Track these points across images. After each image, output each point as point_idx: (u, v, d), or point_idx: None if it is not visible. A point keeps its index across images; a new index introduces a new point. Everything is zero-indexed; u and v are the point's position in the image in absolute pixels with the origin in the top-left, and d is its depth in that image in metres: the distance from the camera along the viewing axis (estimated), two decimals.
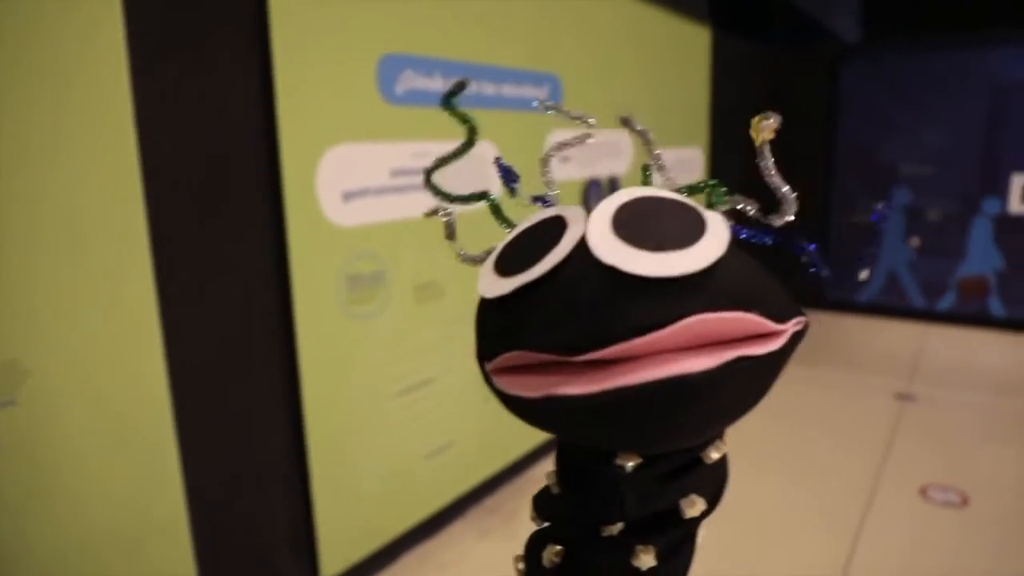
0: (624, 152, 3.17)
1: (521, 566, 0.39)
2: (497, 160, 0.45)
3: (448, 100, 0.42)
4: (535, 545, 0.38)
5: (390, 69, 1.98)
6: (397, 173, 2.04)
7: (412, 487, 2.23)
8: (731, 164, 4.44)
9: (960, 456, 2.92)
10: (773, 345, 0.33)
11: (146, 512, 1.50)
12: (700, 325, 0.29)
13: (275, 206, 1.75)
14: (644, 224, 0.32)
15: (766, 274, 0.35)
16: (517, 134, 2.45)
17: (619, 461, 0.34)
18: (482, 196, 0.44)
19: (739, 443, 2.46)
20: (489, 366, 0.35)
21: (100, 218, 1.37)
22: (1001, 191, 4.52)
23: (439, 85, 2.14)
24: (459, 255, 0.44)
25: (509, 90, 2.42)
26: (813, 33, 5.12)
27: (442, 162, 0.45)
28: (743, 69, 4.54)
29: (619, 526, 0.35)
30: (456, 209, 0.45)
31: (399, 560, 2.22)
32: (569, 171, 2.78)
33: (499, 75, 2.37)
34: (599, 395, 0.29)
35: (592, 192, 2.90)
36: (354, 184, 1.92)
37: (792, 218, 0.36)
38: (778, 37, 5.08)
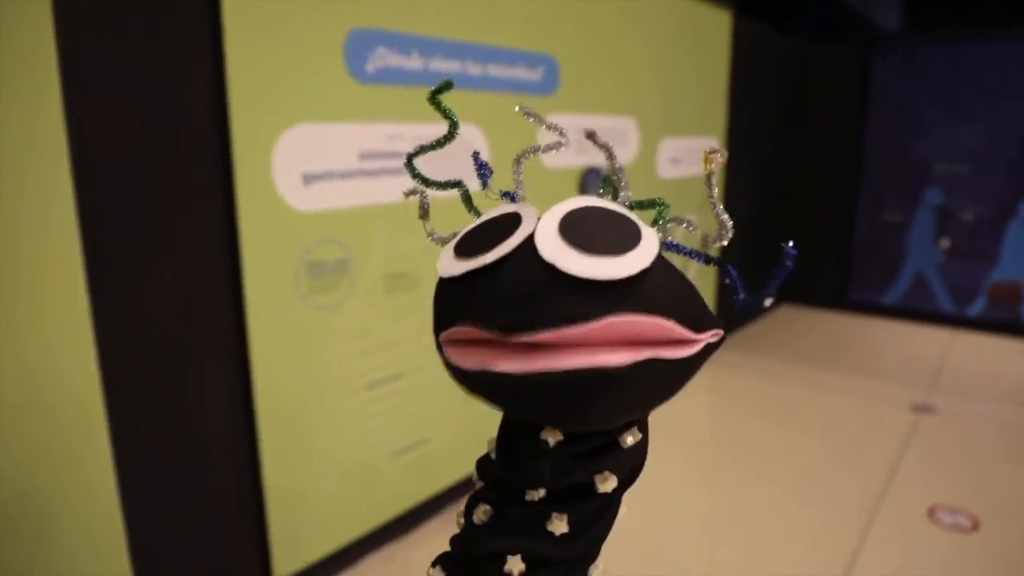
0: (630, 140, 3.02)
1: (461, 520, 0.43)
2: (475, 155, 0.49)
3: (434, 97, 0.46)
4: (471, 503, 0.43)
5: (360, 45, 1.86)
6: (367, 156, 1.93)
7: (378, 486, 2.13)
8: (748, 156, 4.24)
9: (975, 476, 2.73)
10: (686, 352, 0.36)
11: (75, 512, 1.42)
12: (620, 324, 0.33)
13: (226, 188, 1.65)
14: (586, 230, 0.35)
15: (690, 288, 0.39)
16: (505, 118, 2.32)
17: (543, 436, 0.38)
18: (456, 185, 0.49)
19: (741, 449, 2.77)
20: (440, 337, 0.39)
21: (19, 196, 1.28)
22: None
23: (417, 64, 2.02)
24: (429, 234, 0.48)
25: (497, 71, 2.28)
26: (845, 20, 4.88)
27: (423, 149, 0.49)
28: (766, 57, 4.33)
29: (540, 493, 0.40)
30: (431, 192, 0.49)
31: (362, 561, 2.13)
32: (567, 158, 2.64)
33: (486, 54, 2.24)
34: (526, 375, 0.34)
35: (591, 180, 2.76)
36: (317, 166, 1.81)
37: (726, 243, 0.40)
38: (807, 23, 4.85)
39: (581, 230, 0.35)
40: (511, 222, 0.38)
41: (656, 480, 2.76)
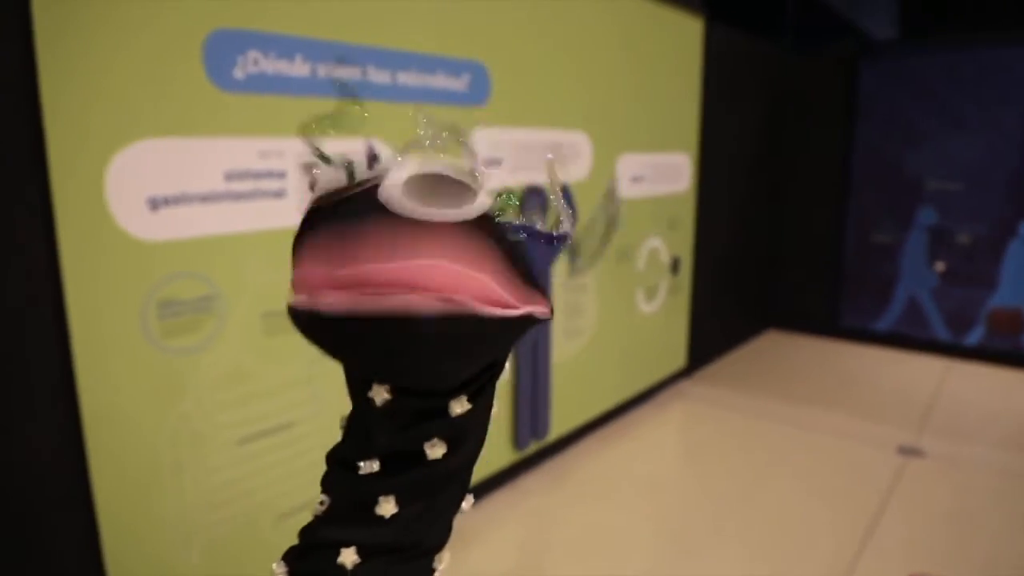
0: (581, 156, 2.74)
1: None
2: (368, 143, 0.45)
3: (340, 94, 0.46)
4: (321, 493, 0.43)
5: (224, 48, 1.60)
6: (236, 176, 1.66)
7: (259, 555, 1.85)
8: (727, 173, 3.96)
9: (963, 538, 2.42)
10: (503, 313, 0.36)
11: None
12: (436, 268, 0.35)
13: (45, 217, 1.39)
14: (428, 185, 0.37)
15: (521, 256, 0.38)
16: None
17: (370, 394, 0.39)
18: (347, 164, 0.42)
19: (707, 497, 2.07)
20: (292, 280, 0.40)
21: None
22: None
23: (302, 71, 1.75)
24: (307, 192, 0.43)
25: (410, 79, 2.01)
26: (831, 27, 4.61)
27: (322, 121, 0.45)
28: (745, 66, 4.05)
29: (374, 466, 0.40)
30: (321, 165, 0.43)
31: None
32: (501, 176, 2.37)
33: (395, 60, 1.97)
34: (346, 313, 0.35)
35: (531, 202, 2.48)
36: (168, 189, 1.54)
37: (568, 233, 0.40)
38: (790, 31, 4.58)
39: (423, 185, 0.37)
40: (372, 179, 0.38)
41: (615, 528, 2.48)
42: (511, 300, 0.37)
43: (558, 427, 2.80)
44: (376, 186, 0.37)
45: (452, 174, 0.38)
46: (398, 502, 0.40)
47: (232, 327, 1.70)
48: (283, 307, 1.58)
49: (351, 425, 0.43)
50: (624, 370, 3.26)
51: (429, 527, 0.42)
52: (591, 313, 2.89)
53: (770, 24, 4.56)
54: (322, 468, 1.76)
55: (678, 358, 3.80)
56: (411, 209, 0.35)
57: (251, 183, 1.69)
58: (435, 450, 0.40)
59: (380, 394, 0.39)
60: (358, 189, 0.38)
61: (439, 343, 0.36)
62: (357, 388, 0.41)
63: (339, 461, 0.43)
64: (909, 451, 3.07)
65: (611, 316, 3.05)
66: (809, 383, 4.01)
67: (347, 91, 0.47)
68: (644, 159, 3.15)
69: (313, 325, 0.38)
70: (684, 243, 3.65)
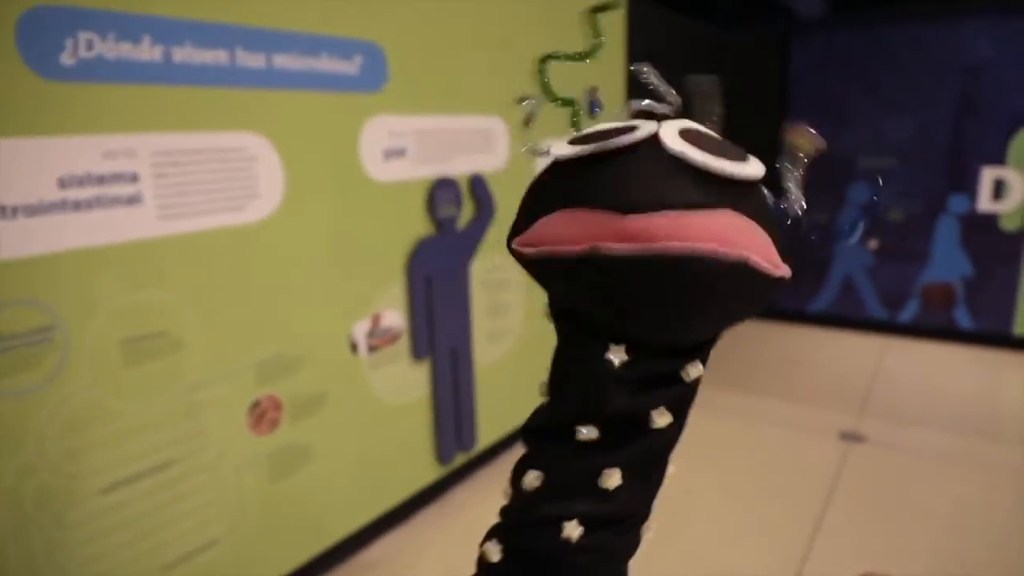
0: (497, 143, 2.54)
1: (509, 490, 0.42)
2: (593, 90, 0.47)
3: (594, 11, 0.47)
4: (518, 470, 0.41)
5: (46, 29, 1.33)
6: (74, 182, 1.40)
7: None
8: None
9: (908, 526, 2.33)
10: (774, 270, 0.37)
11: None
12: (732, 219, 0.35)
13: None
14: (705, 140, 0.37)
15: (778, 224, 0.39)
16: (304, 124, 1.82)
17: (609, 355, 0.38)
18: (570, 102, 0.46)
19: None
20: (522, 239, 0.39)
21: None
22: (970, 187, 3.92)
23: (153, 55, 1.50)
24: (528, 144, 0.45)
25: (289, 62, 1.77)
26: (761, 4, 4.51)
27: (558, 55, 0.47)
28: (671, 45, 3.91)
29: (594, 434, 0.39)
30: (538, 101, 0.46)
31: None
32: (405, 168, 2.15)
33: (270, 41, 1.73)
34: (634, 255, 0.34)
35: (441, 195, 2.27)
36: None
37: (799, 215, 0.39)
38: (718, 8, 4.46)
39: (701, 139, 0.37)
40: (628, 129, 0.38)
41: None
42: (778, 260, 0.38)
43: (487, 436, 2.61)
44: (652, 136, 0.37)
45: (714, 134, 0.39)
46: (623, 474, 0.39)
47: (81, 359, 1.45)
48: (149, 332, 1.29)
49: (571, 386, 0.41)
50: None
51: (647, 498, 0.42)
52: (516, 312, 2.70)
53: (701, 5, 4.43)
54: (206, 512, 1.47)
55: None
56: (708, 161, 0.35)
57: (94, 189, 1.43)
58: (662, 418, 0.40)
59: (619, 354, 0.39)
60: (640, 135, 0.37)
61: (726, 295, 0.37)
62: (589, 350, 0.39)
63: (547, 431, 0.41)
64: (851, 437, 2.98)
65: (540, 314, 2.87)
66: (748, 369, 3.92)
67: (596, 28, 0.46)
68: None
69: (597, 272, 0.36)
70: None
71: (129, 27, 1.45)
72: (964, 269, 4.02)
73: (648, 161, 0.36)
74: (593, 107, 0.48)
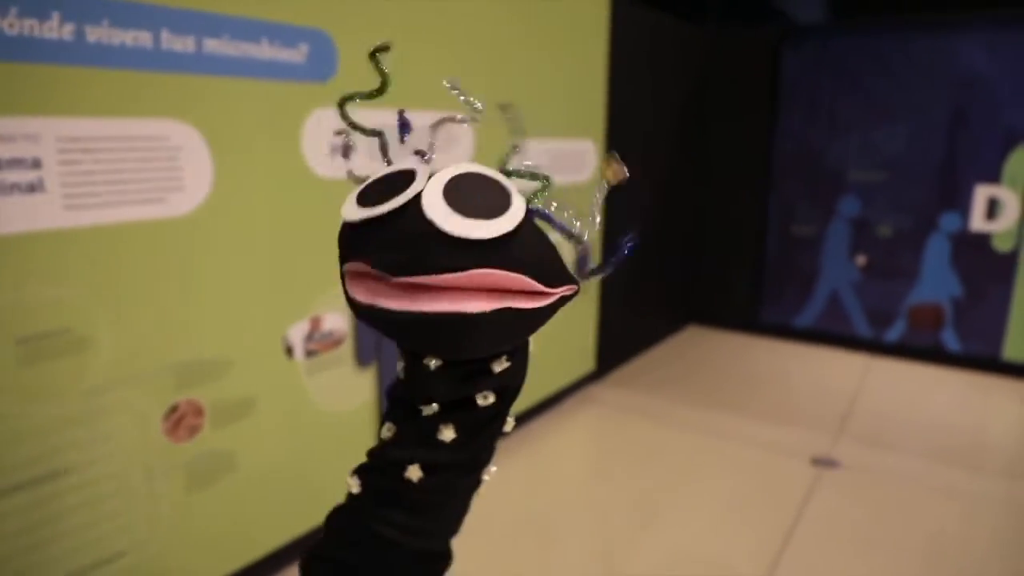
0: (461, 142, 2.43)
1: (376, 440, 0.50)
2: (400, 112, 0.54)
3: (374, 55, 0.54)
4: (382, 422, 0.50)
5: None
6: None
7: None
8: (640, 161, 3.69)
9: (875, 565, 2.21)
10: (539, 303, 0.44)
11: None
12: (484, 276, 0.41)
13: None
14: (465, 194, 0.42)
15: (551, 250, 0.45)
16: (239, 115, 1.71)
17: (426, 361, 0.46)
18: (378, 134, 0.53)
19: (610, 521, 2.42)
20: (343, 268, 0.46)
21: None
22: (962, 205, 3.80)
23: (66, 33, 1.39)
24: (348, 172, 0.52)
25: (222, 48, 1.66)
26: (753, 7, 4.39)
27: (355, 96, 0.53)
28: (658, 48, 3.79)
29: (433, 408, 0.47)
30: (355, 136, 0.53)
31: None
32: (355, 165, 2.04)
33: (199, 23, 1.62)
34: (405, 313, 0.42)
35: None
36: None
37: (586, 237, 0.44)
38: (709, 11, 4.35)
39: (460, 193, 0.42)
40: (406, 179, 0.44)
41: (504, 560, 2.20)
42: (544, 288, 0.43)
43: None
44: (417, 197, 0.42)
45: (488, 175, 0.45)
46: (456, 430, 0.47)
47: None
48: (48, 329, 1.18)
49: (409, 379, 0.48)
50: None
51: (481, 448, 0.49)
52: None
53: (691, 7, 4.31)
54: (111, 522, 1.34)
55: (586, 361, 3.54)
56: (457, 227, 0.40)
57: None
58: (486, 399, 0.47)
59: (435, 361, 0.46)
60: (403, 199, 0.42)
61: (486, 333, 0.43)
62: (411, 355, 0.47)
63: (400, 400, 0.49)
64: (823, 462, 2.87)
65: None
66: (726, 385, 3.80)
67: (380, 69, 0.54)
68: (539, 147, 2.86)
69: (379, 321, 0.44)
70: (590, 237, 3.37)
71: (35, 1, 1.35)
72: (954, 289, 3.90)
73: (411, 224, 0.41)
74: (402, 130, 0.53)
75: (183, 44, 1.59)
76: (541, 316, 0.44)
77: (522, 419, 3.08)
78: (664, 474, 2.81)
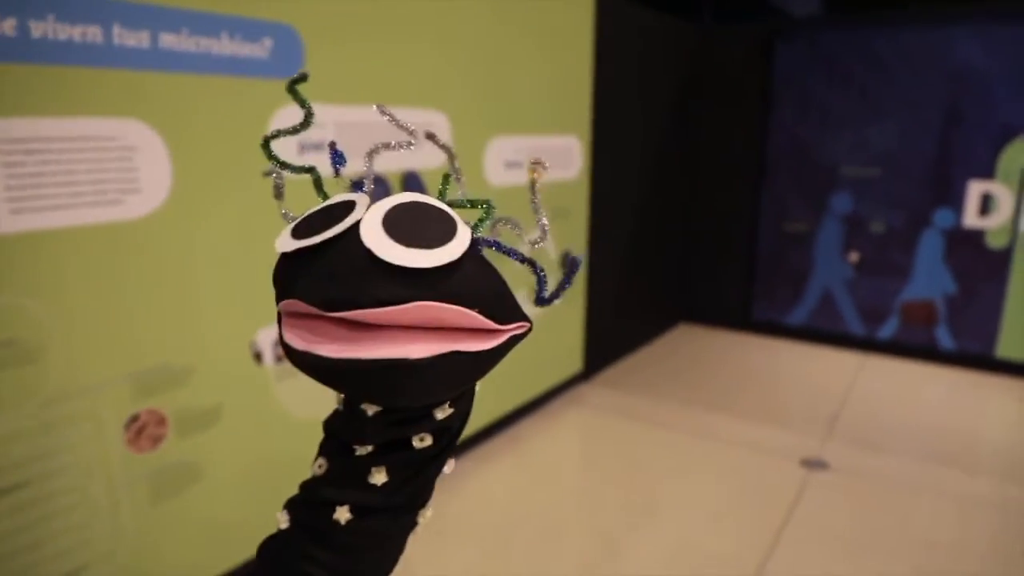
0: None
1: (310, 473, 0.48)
2: (331, 144, 0.49)
3: (291, 87, 0.48)
4: (317, 454, 0.48)
5: None
6: None
7: None
8: (623, 158, 3.63)
9: (865, 571, 2.16)
10: (488, 343, 0.40)
11: None
12: (427, 309, 0.37)
13: None
14: (406, 223, 0.39)
15: (500, 284, 0.42)
16: (197, 112, 1.65)
17: (363, 407, 0.44)
18: (309, 170, 0.49)
19: (599, 524, 2.35)
20: (279, 308, 0.42)
21: None
22: (955, 201, 3.74)
23: (8, 29, 1.32)
24: (283, 214, 0.48)
25: (179, 43, 1.60)
26: (746, 3, 4.34)
27: (279, 133, 0.49)
28: (647, 42, 3.73)
29: (368, 448, 0.45)
30: (285, 174, 0.50)
31: None
32: (324, 163, 1.97)
33: (156, 18, 1.55)
34: (341, 360, 0.38)
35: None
36: None
37: (545, 244, 0.41)
38: (699, 6, 4.29)
39: (401, 223, 0.39)
40: (345, 209, 0.41)
41: (493, 565, 2.16)
42: (493, 325, 0.40)
43: None
44: (355, 225, 0.39)
45: (432, 204, 0.42)
46: (388, 473, 0.44)
47: None
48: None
49: (343, 419, 0.46)
50: (507, 378, 2.91)
51: (415, 491, 0.46)
52: None
53: (685, 2, 4.25)
54: (70, 535, 1.26)
55: (574, 361, 3.48)
56: (397, 256, 0.37)
57: None
58: (423, 442, 0.44)
59: (373, 408, 0.44)
60: (340, 228, 0.39)
61: (431, 381, 0.40)
62: (347, 400, 0.45)
63: (334, 434, 0.47)
64: (813, 464, 2.81)
65: None
66: (717, 384, 3.75)
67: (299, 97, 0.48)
68: (522, 142, 2.79)
69: (313, 369, 0.40)
70: (578, 235, 3.32)
71: None
72: (947, 286, 3.85)
73: (347, 255, 0.39)
74: (335, 162, 0.49)
75: (137, 39, 1.53)
76: (490, 359, 0.41)
77: (508, 421, 3.03)
78: (652, 476, 2.75)
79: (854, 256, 4.07)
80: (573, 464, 3.02)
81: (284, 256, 0.42)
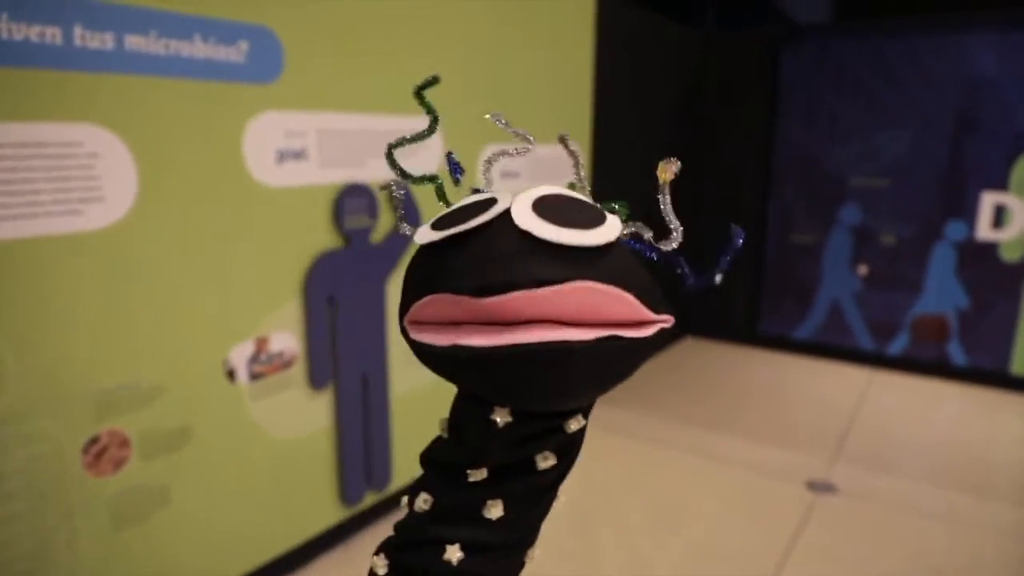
0: (429, 146, 2.27)
1: (406, 506, 0.45)
2: (449, 155, 0.49)
3: (419, 92, 0.48)
4: (413, 490, 0.44)
5: None
6: None
7: None
8: (625, 167, 3.54)
9: None
10: (643, 332, 0.38)
11: None
12: (583, 290, 0.35)
13: None
14: (556, 208, 0.38)
15: (649, 272, 0.40)
16: (166, 119, 1.57)
17: (493, 416, 0.40)
18: (432, 179, 0.47)
19: (591, 551, 2.21)
20: (407, 318, 0.40)
21: None
22: (968, 213, 3.63)
23: None
24: (400, 228, 0.45)
25: (146, 45, 1.52)
26: (752, 9, 4.25)
27: (403, 142, 0.47)
28: (651, 48, 3.64)
29: (483, 473, 0.41)
30: (406, 185, 0.47)
31: None
32: (304, 172, 1.89)
33: (121, 19, 1.47)
34: (495, 348, 0.35)
35: (350, 203, 2.01)
36: None
37: (677, 247, 0.40)
38: (704, 11, 4.20)
39: (552, 209, 0.38)
40: (486, 204, 0.39)
41: None
42: (649, 314, 0.38)
43: (404, 473, 2.34)
44: (504, 212, 0.38)
45: (572, 194, 0.41)
46: (505, 507, 0.42)
47: None
48: None
49: (462, 436, 0.43)
50: None
51: (529, 527, 0.44)
52: None
53: (685, 6, 4.16)
54: (34, 559, 1.13)
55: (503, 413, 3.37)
56: (554, 234, 0.36)
57: None
58: (546, 462, 0.42)
59: (503, 416, 0.40)
60: (491, 214, 0.38)
61: (588, 371, 0.38)
62: (475, 410, 0.42)
63: (443, 465, 0.44)
64: (819, 486, 2.70)
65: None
66: (721, 401, 3.64)
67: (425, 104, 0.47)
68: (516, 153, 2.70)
69: (461, 362, 0.38)
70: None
71: None
72: (959, 301, 3.73)
73: (499, 240, 0.37)
74: (454, 172, 0.48)
75: (101, 41, 1.44)
76: (644, 350, 0.39)
77: None
78: (650, 498, 2.64)
79: (863, 269, 3.96)
80: (567, 484, 2.91)
81: (424, 251, 0.40)
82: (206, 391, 1.74)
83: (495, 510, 0.41)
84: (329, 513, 2.13)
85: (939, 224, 3.71)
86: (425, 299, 0.38)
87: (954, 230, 3.67)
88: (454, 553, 0.41)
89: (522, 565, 0.45)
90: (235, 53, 1.69)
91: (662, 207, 0.42)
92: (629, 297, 0.37)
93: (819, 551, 2.28)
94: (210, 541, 1.81)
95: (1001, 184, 3.52)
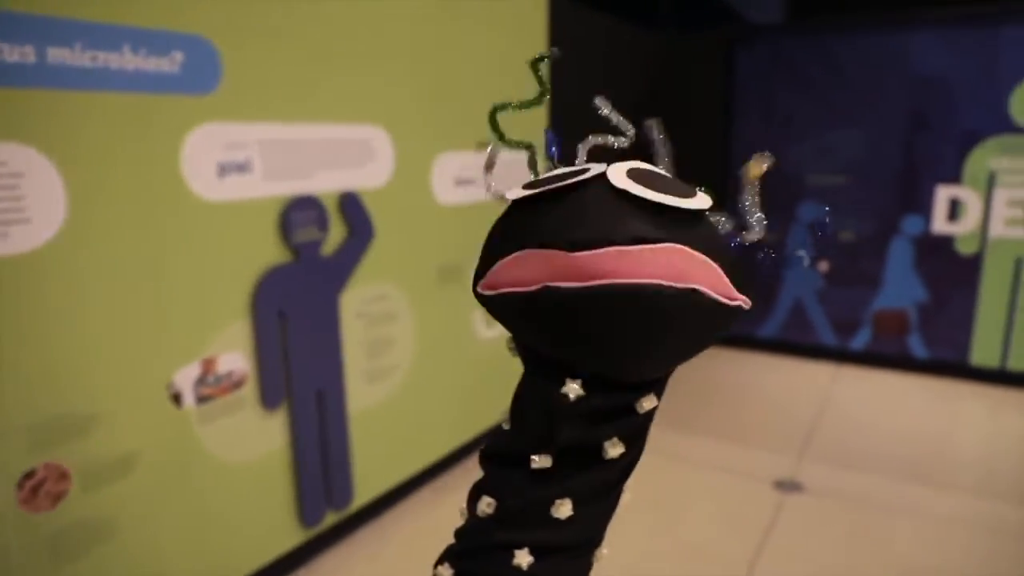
0: (378, 155, 2.22)
1: (464, 513, 0.44)
2: (547, 131, 0.49)
3: (536, 64, 0.49)
4: (473, 495, 0.43)
5: None
6: None
7: None
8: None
9: None
10: (730, 301, 0.38)
11: None
12: (676, 253, 0.36)
13: None
14: (650, 177, 0.39)
15: (735, 255, 0.40)
16: (96, 134, 1.50)
17: (564, 390, 0.39)
18: (528, 146, 0.48)
19: None
20: (483, 283, 0.40)
21: None
22: (924, 207, 3.67)
23: None
24: (489, 185, 0.46)
25: (72, 58, 1.45)
26: (706, 10, 4.26)
27: (508, 106, 0.48)
28: (605, 50, 3.63)
29: (547, 462, 0.40)
30: (500, 147, 0.48)
31: None
32: (248, 185, 1.83)
33: (41, 30, 1.40)
34: (586, 288, 0.35)
35: (298, 216, 1.95)
36: None
37: (759, 238, 0.41)
38: (659, 12, 4.21)
39: (645, 177, 0.39)
40: (579, 171, 0.40)
41: None
42: (732, 290, 0.38)
43: (365, 491, 2.28)
44: (600, 175, 0.38)
45: (661, 171, 0.42)
46: (574, 504, 0.40)
47: None
48: None
49: (526, 420, 0.42)
50: (461, 409, 2.76)
51: (598, 526, 0.43)
52: (404, 347, 2.38)
53: (638, 7, 4.16)
54: None
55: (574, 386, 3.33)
56: (653, 194, 0.36)
57: None
58: (615, 449, 0.40)
59: (574, 389, 0.39)
60: (587, 175, 0.38)
61: (672, 323, 0.36)
62: (543, 387, 0.40)
63: (503, 457, 0.42)
64: (787, 486, 2.69)
65: (436, 348, 2.55)
66: (686, 401, 3.63)
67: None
68: (472, 158, 2.66)
69: (551, 307, 0.36)
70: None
71: None
72: (918, 294, 3.77)
73: (595, 198, 0.37)
74: (550, 147, 0.49)
75: (20, 54, 1.37)
76: (726, 317, 0.39)
77: (454, 458, 2.88)
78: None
79: (824, 266, 3.99)
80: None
81: (513, 209, 0.40)
82: (150, 417, 1.67)
83: (564, 508, 0.40)
84: (288, 536, 2.06)
85: (896, 219, 3.75)
86: (509, 257, 0.38)
87: (911, 224, 3.71)
88: (524, 558, 0.40)
89: (590, 566, 0.44)
90: (169, 64, 1.62)
91: (748, 199, 0.42)
92: (716, 268, 0.37)
93: (789, 551, 2.27)
94: (160, 575, 1.74)
95: (955, 178, 3.57)
